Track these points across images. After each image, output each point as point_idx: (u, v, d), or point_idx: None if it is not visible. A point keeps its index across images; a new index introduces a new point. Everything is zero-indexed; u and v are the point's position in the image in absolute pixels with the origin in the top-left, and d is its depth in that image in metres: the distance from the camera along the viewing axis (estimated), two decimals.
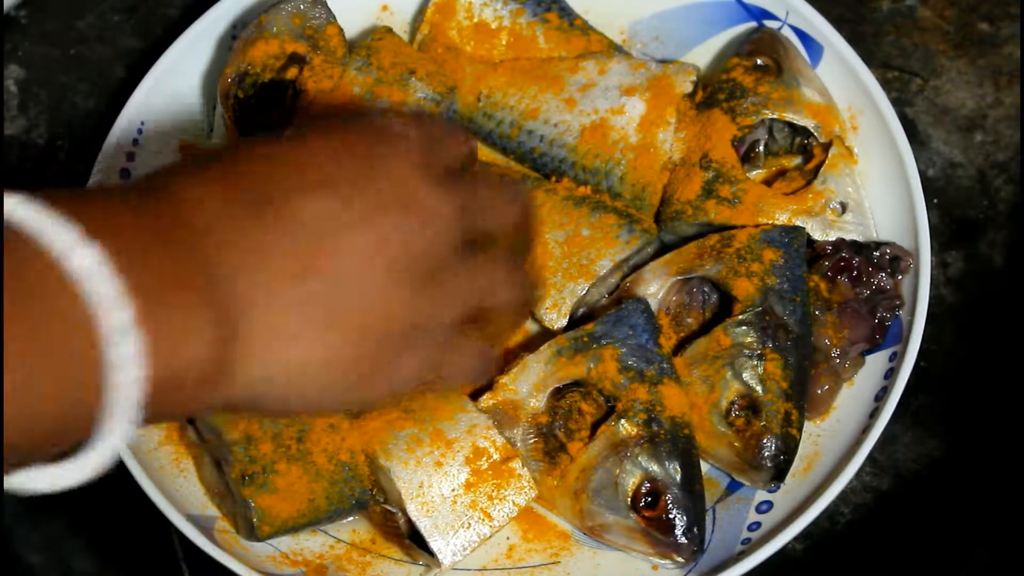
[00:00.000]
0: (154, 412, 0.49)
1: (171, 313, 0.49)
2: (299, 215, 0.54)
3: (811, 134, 0.83)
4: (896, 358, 0.79)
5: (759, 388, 0.77)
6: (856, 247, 0.81)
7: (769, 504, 0.78)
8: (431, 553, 0.76)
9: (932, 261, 0.81)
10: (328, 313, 0.55)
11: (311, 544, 0.79)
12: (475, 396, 0.79)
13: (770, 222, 0.81)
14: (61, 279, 0.46)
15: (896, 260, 0.81)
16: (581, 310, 0.83)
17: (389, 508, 0.77)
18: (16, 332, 0.44)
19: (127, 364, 0.46)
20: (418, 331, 0.59)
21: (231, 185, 0.54)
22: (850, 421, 0.79)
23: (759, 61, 0.84)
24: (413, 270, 0.57)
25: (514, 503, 0.77)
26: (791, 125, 0.84)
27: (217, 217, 0.53)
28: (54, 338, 0.45)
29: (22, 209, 0.46)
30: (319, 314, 0.54)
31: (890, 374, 0.79)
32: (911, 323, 0.79)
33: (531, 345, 0.81)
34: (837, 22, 0.86)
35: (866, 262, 0.81)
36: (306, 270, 0.54)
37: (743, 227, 0.81)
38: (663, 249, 0.84)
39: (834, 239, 0.81)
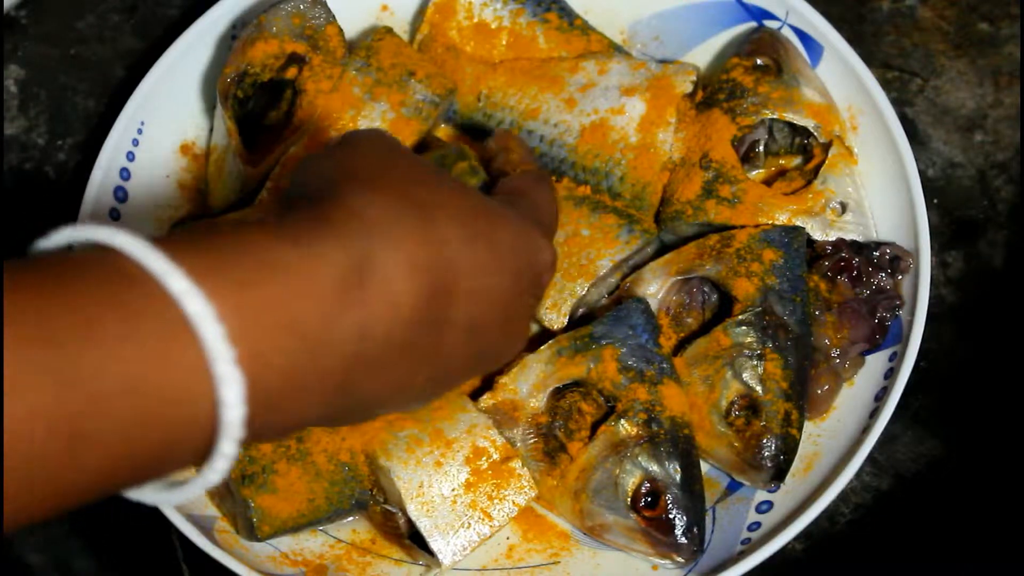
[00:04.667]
0: (255, 435, 0.50)
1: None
2: (453, 317, 0.57)
3: (811, 134, 0.83)
4: (896, 358, 0.79)
5: (759, 388, 0.77)
6: (856, 247, 0.81)
7: (769, 504, 0.78)
8: (431, 553, 0.76)
9: (932, 261, 0.81)
10: (429, 384, 0.59)
11: (311, 544, 0.79)
12: (475, 396, 0.79)
13: (770, 222, 0.81)
14: (185, 339, 0.47)
15: (896, 260, 0.81)
16: (581, 310, 0.83)
17: (389, 508, 0.77)
18: (140, 372, 0.46)
19: (236, 403, 0.48)
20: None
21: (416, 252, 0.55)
22: (850, 421, 0.80)
23: (759, 61, 0.84)
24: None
25: (514, 503, 0.77)
26: (791, 125, 0.84)
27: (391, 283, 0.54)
28: (174, 377, 0.47)
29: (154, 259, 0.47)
30: (421, 380, 0.58)
31: (890, 374, 0.79)
32: (911, 323, 0.79)
33: (531, 345, 0.81)
34: (837, 22, 0.86)
35: (866, 262, 0.81)
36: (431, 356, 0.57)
37: (743, 227, 0.81)
38: (663, 249, 0.84)
39: (834, 239, 0.81)
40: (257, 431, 0.50)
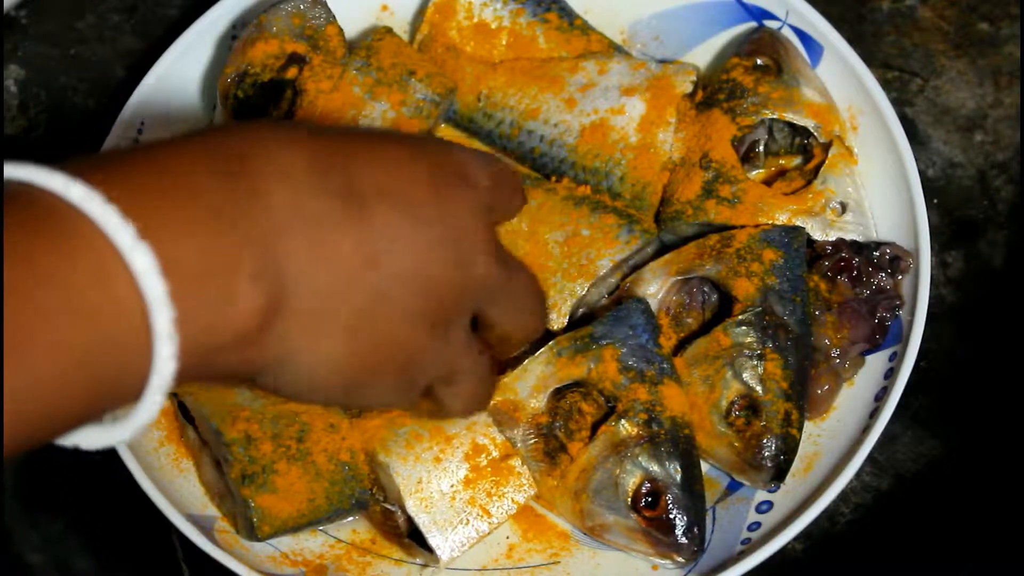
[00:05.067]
0: (186, 374, 0.50)
1: (218, 285, 0.51)
2: (373, 221, 0.56)
3: (811, 134, 0.83)
4: (896, 358, 0.79)
5: (759, 388, 0.77)
6: (856, 247, 0.81)
7: (769, 504, 0.78)
8: (430, 549, 0.76)
9: (932, 261, 0.81)
10: (363, 320, 0.57)
11: (311, 544, 0.79)
12: None
13: (770, 222, 0.81)
14: (111, 259, 0.47)
15: (896, 260, 0.81)
16: (581, 310, 0.83)
17: (389, 507, 0.77)
18: (57, 299, 0.46)
19: (168, 335, 0.48)
20: (413, 365, 0.60)
21: (316, 168, 0.55)
22: (850, 421, 0.79)
23: (759, 61, 0.84)
24: (438, 314, 0.59)
25: (513, 500, 0.77)
26: (791, 125, 0.84)
27: (295, 194, 0.54)
28: (100, 307, 0.47)
29: (74, 189, 0.47)
30: (356, 318, 0.56)
31: (890, 374, 0.79)
32: (911, 323, 0.79)
33: (532, 346, 0.81)
34: (837, 22, 0.86)
35: (866, 262, 0.81)
36: (359, 276, 0.56)
37: (743, 227, 0.81)
38: (663, 249, 0.84)
39: (834, 239, 0.81)
40: (190, 368, 0.50)
